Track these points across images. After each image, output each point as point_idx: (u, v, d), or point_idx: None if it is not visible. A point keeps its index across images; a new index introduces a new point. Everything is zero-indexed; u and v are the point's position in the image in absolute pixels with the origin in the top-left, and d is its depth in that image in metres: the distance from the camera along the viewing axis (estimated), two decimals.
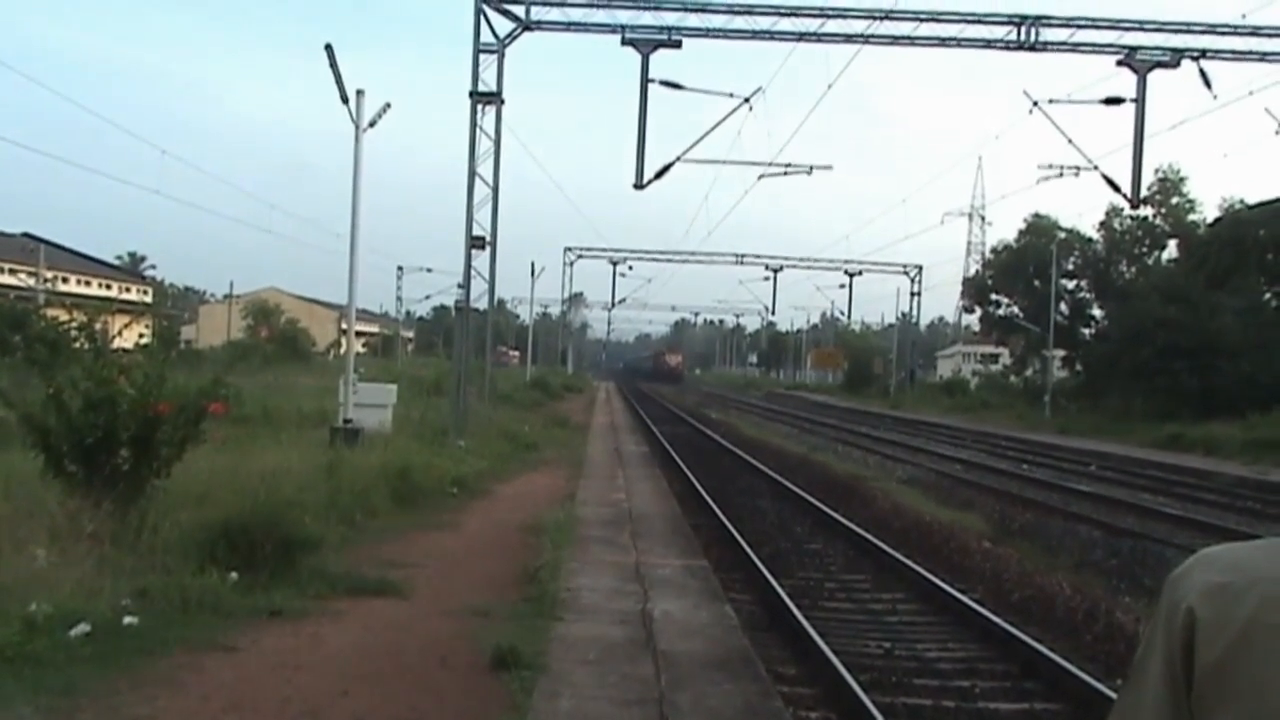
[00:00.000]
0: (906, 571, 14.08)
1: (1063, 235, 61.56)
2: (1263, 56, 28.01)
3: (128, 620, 8.79)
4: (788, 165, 36.15)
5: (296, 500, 12.52)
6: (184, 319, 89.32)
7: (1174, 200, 59.35)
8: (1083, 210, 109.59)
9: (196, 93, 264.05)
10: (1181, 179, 58.99)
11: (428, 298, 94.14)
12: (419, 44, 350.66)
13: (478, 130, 27.84)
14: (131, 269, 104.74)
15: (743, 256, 76.18)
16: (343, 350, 28.23)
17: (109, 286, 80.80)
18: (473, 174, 27.78)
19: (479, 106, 27.79)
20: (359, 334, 23.52)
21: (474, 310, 29.32)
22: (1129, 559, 15.83)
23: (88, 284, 75.65)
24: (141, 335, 22.26)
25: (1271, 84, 33.62)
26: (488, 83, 27.81)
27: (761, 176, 36.31)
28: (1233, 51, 27.98)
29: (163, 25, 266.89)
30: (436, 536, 14.72)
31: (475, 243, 27.93)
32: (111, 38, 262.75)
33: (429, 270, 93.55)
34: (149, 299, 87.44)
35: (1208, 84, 27.71)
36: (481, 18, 27.73)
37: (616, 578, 12.07)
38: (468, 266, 28.18)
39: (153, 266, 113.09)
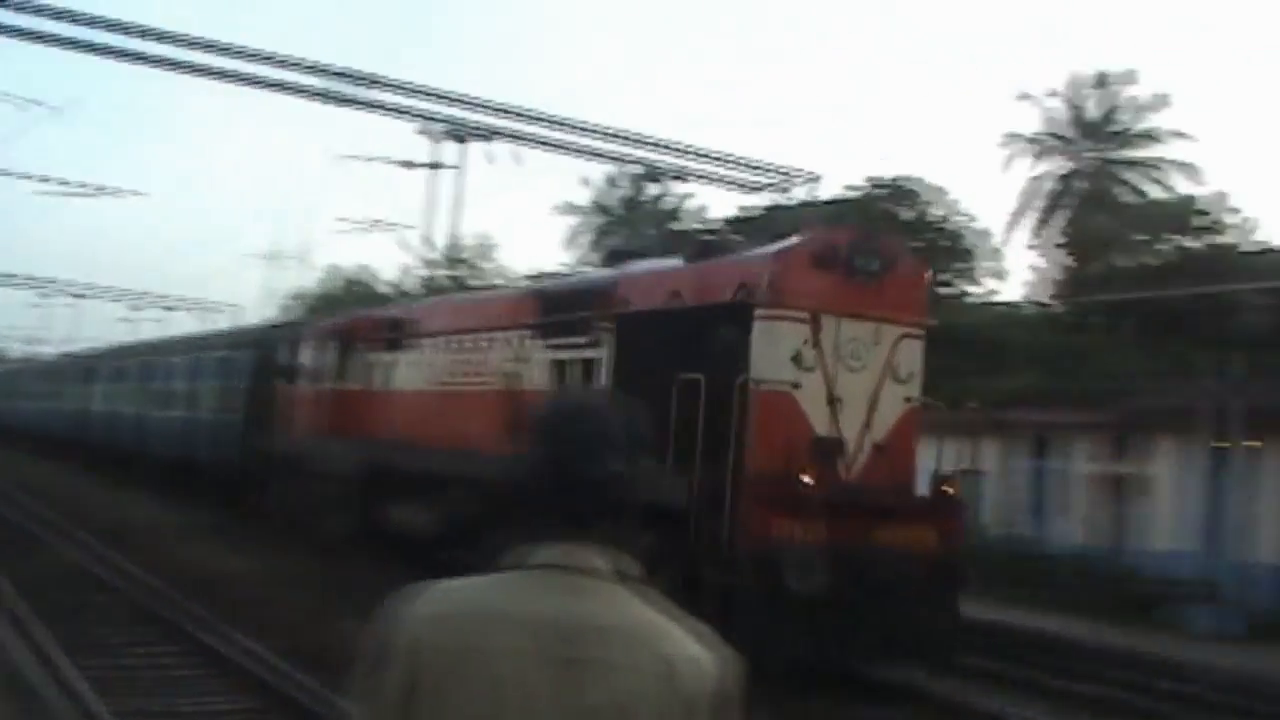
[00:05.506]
0: None
1: (356, 286, 63.00)
2: (542, 141, 30.51)
3: None
4: (99, 187, 34.48)
5: None
6: None
7: (483, 261, 62.96)
8: (386, 264, 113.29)
9: None
10: (492, 246, 62.62)
11: None
12: None
13: None
14: None
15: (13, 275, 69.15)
16: None
17: None
18: None
19: None
20: None
21: None
22: None
23: None
24: None
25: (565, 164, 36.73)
26: None
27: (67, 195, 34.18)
28: (520, 133, 30.23)
29: None
30: None
31: None
32: None
33: None
34: None
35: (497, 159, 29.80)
36: None
37: None
38: None
39: None
